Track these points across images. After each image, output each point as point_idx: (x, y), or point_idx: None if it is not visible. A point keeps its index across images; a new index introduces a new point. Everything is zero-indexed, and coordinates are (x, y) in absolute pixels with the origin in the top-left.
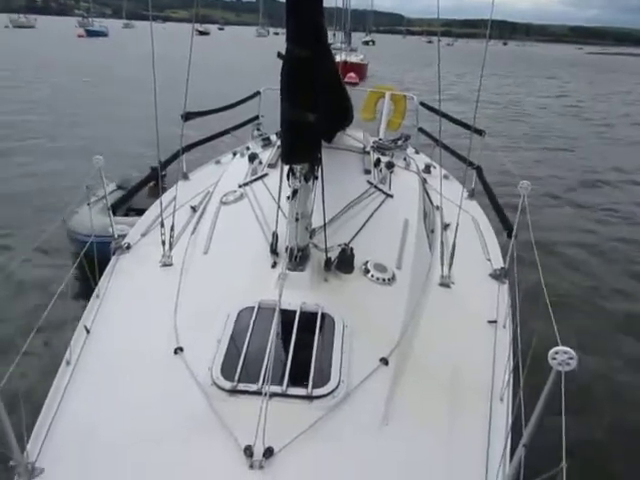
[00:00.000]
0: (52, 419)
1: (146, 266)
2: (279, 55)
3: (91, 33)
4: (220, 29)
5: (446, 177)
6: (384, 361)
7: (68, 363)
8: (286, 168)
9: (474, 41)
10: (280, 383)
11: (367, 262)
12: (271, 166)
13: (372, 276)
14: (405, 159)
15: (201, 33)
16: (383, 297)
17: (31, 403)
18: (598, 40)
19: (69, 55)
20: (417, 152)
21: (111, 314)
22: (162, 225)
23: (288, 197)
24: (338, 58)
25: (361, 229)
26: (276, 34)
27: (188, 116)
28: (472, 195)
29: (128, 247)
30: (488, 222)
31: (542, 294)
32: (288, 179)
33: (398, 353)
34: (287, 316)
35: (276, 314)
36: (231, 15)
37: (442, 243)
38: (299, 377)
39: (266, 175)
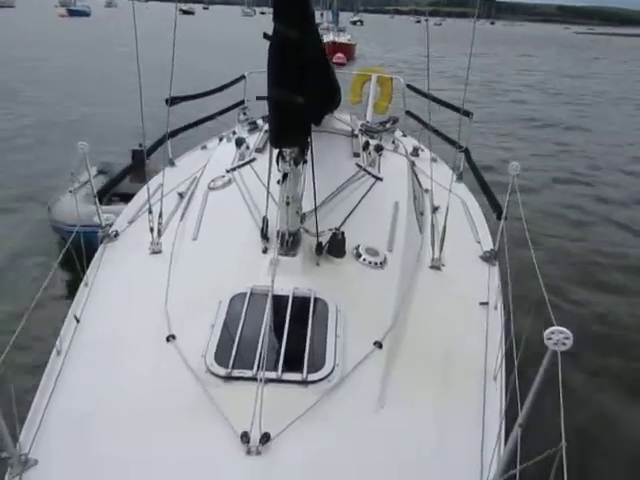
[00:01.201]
0: (44, 410)
1: (135, 254)
2: (265, 36)
3: (73, 13)
4: (205, 8)
5: (434, 160)
6: (378, 344)
7: (58, 353)
8: (275, 152)
9: (462, 20)
10: (275, 369)
11: (358, 246)
12: (259, 150)
13: (364, 260)
14: (394, 142)
15: (185, 12)
16: (375, 280)
17: (22, 394)
18: (586, 20)
19: (53, 40)
20: (405, 135)
21: (101, 303)
22: (150, 212)
23: (278, 181)
24: (326, 39)
25: (351, 213)
26: (262, 13)
27: (173, 100)
28: (460, 178)
29: (116, 235)
30: (477, 204)
31: (533, 275)
32: (277, 163)
33: (391, 336)
34: (280, 301)
35: (269, 300)
36: None
37: (432, 226)
38: (294, 362)
39: (254, 160)
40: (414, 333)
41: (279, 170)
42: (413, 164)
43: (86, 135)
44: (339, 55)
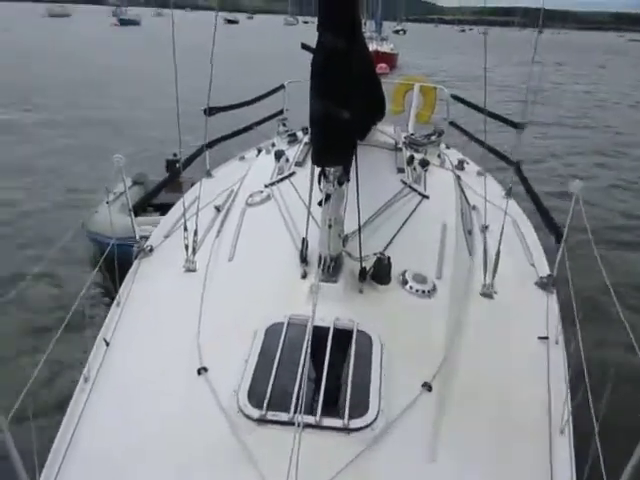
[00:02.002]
0: (68, 445)
1: (169, 271)
2: (304, 46)
3: (124, 22)
4: (249, 18)
5: (481, 174)
6: (427, 386)
7: (86, 380)
8: (317, 169)
9: (508, 29)
10: (313, 412)
11: (405, 272)
12: (298, 164)
13: (411, 288)
14: (439, 156)
15: (230, 22)
16: (423, 311)
17: (44, 429)
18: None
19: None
20: (448, 147)
21: (132, 325)
22: (185, 229)
23: (320, 202)
24: (370, 48)
25: (397, 234)
26: (305, 22)
27: (211, 111)
28: (509, 194)
29: (151, 250)
30: (529, 223)
31: (601, 304)
32: (319, 182)
33: (441, 377)
34: (319, 333)
35: (308, 331)
36: (260, 3)
37: (485, 250)
38: (334, 405)
39: (293, 174)
40: (466, 373)
41: (321, 190)
42: (459, 179)
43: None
44: (381, 65)
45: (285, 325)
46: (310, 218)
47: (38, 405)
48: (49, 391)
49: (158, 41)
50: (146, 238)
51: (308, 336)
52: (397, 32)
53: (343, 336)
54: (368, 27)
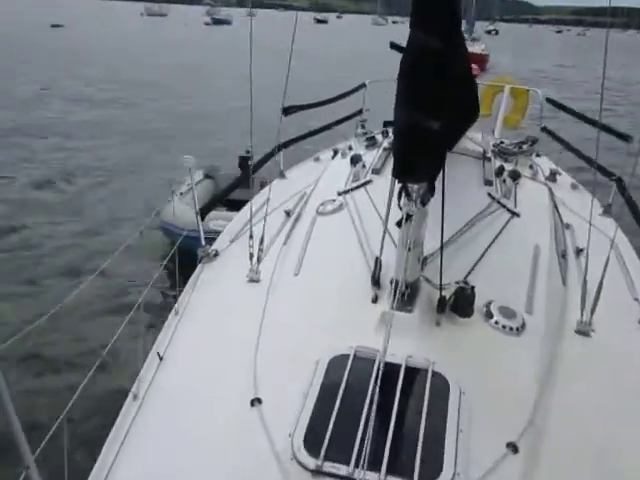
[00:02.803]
0: (110, 467)
1: (232, 280)
2: (393, 46)
3: (216, 21)
4: (338, 17)
5: (574, 187)
6: (512, 447)
7: (135, 397)
8: (397, 183)
9: (611, 31)
10: (377, 469)
11: (490, 303)
12: (375, 172)
13: (497, 323)
14: (531, 167)
15: (319, 21)
16: (510, 352)
17: (88, 443)
18: None
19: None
20: (539, 155)
21: (188, 339)
22: (251, 236)
23: (398, 223)
24: None
25: (481, 258)
26: (395, 22)
27: (288, 110)
28: (608, 211)
29: (215, 255)
30: (631, 248)
31: None
32: (399, 199)
33: (531, 435)
34: (389, 371)
35: (375, 369)
36: (350, 3)
37: (582, 279)
38: (402, 462)
39: (369, 182)
40: (561, 431)
41: (400, 206)
42: (552, 193)
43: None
44: (474, 67)
45: (351, 358)
46: (386, 236)
47: (76, 431)
48: (96, 403)
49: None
50: (213, 235)
51: (376, 374)
52: (489, 32)
53: (416, 377)
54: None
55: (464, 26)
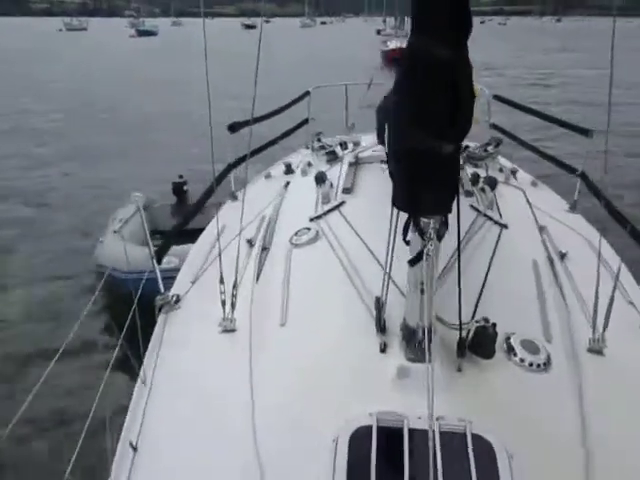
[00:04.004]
0: None
1: (202, 332)
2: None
3: (142, 33)
4: (267, 22)
5: (535, 184)
6: None
7: None
8: (395, 212)
9: (526, 18)
10: None
11: (510, 337)
12: (346, 191)
13: (522, 361)
14: (501, 170)
15: (248, 27)
16: (543, 393)
17: None
18: None
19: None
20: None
21: (163, 421)
22: (221, 281)
23: (412, 262)
24: (390, 45)
25: (486, 282)
26: (323, 23)
27: (234, 127)
28: (575, 207)
29: (177, 301)
30: (607, 245)
31: None
32: (404, 235)
33: None
34: (422, 441)
35: (407, 441)
36: (276, 7)
37: (596, 295)
38: None
39: (342, 204)
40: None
41: (405, 241)
42: (527, 196)
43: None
44: None
45: (375, 430)
46: (383, 271)
47: None
48: None
49: (176, 50)
50: (169, 274)
51: (410, 447)
52: None
53: (454, 442)
54: (388, 23)
55: (395, 22)
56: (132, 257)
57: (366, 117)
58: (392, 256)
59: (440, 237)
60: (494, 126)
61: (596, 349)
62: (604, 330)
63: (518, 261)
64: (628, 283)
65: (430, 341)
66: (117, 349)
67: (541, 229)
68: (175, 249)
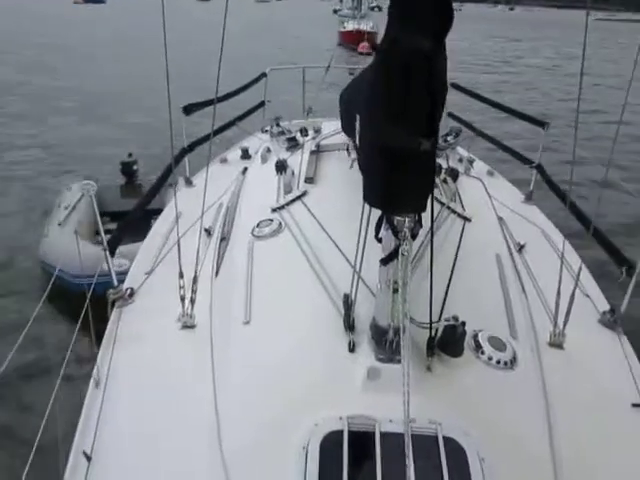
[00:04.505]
0: None
1: (159, 329)
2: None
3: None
4: None
5: (491, 174)
6: None
7: None
8: (367, 209)
9: (481, 6)
10: None
11: (477, 334)
12: (309, 181)
13: (490, 359)
14: (461, 160)
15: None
16: (511, 392)
17: None
18: (607, 5)
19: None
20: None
21: (119, 422)
22: (181, 275)
23: (385, 260)
24: (348, 27)
25: (452, 277)
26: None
27: (189, 109)
28: (530, 198)
29: (131, 294)
30: (561, 236)
31: None
32: (376, 232)
33: None
34: (394, 444)
35: (379, 445)
36: None
37: (560, 293)
38: None
39: (305, 194)
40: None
41: (377, 239)
42: (486, 187)
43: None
44: (364, 44)
45: (345, 435)
46: (350, 265)
47: None
48: None
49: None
50: (124, 274)
51: (381, 452)
52: (372, 9)
53: (426, 446)
54: (345, 3)
55: (351, 3)
56: (83, 255)
57: (324, 101)
58: (362, 254)
59: (414, 236)
60: (451, 115)
61: (557, 343)
62: (564, 325)
63: (482, 255)
64: (585, 276)
65: (400, 341)
66: (69, 351)
67: (500, 221)
68: (125, 248)
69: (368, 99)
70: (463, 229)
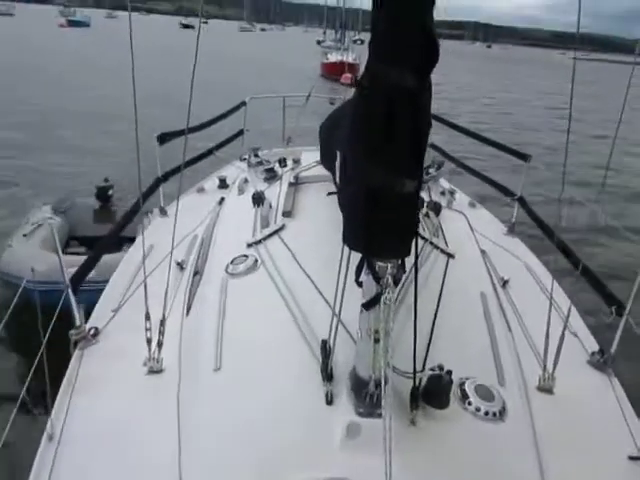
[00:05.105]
0: None
1: (124, 373)
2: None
3: (73, 23)
4: (204, 22)
5: (473, 205)
6: None
7: None
8: (346, 251)
9: (457, 43)
10: None
11: (463, 383)
12: (286, 215)
13: (478, 410)
14: (443, 193)
15: (185, 26)
16: (501, 449)
17: None
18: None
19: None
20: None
21: None
22: (147, 317)
23: (365, 305)
24: (331, 58)
25: (435, 319)
26: (263, 30)
27: (163, 138)
28: (513, 230)
29: (95, 334)
30: (545, 270)
31: None
32: (358, 276)
33: None
34: None
35: None
36: (214, 8)
37: (549, 335)
38: None
39: (282, 229)
40: None
41: (358, 283)
42: (469, 221)
43: None
44: (346, 75)
45: None
46: (329, 309)
47: None
48: None
49: (113, 46)
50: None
51: None
52: (355, 42)
53: None
54: (328, 35)
55: (334, 35)
56: (44, 269)
57: (305, 131)
58: (342, 297)
59: (397, 282)
60: (433, 146)
61: (547, 388)
62: (554, 368)
63: (466, 294)
64: (572, 315)
65: (382, 393)
66: (22, 394)
67: (484, 255)
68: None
69: (349, 136)
70: (447, 266)
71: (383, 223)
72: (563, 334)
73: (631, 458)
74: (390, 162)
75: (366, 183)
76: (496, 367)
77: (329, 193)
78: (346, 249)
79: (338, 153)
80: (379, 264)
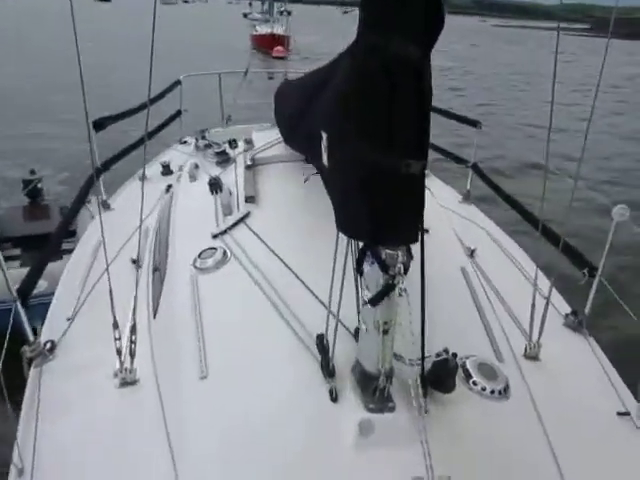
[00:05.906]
0: None
1: (92, 389)
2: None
3: None
4: None
5: (427, 176)
6: None
7: None
8: (343, 239)
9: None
10: None
11: (465, 362)
12: (250, 200)
13: (483, 389)
14: None
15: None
16: (510, 427)
17: None
18: (499, 13)
19: None
20: None
21: None
22: (115, 326)
23: (373, 301)
24: (260, 30)
25: (423, 299)
26: (185, 2)
27: (99, 124)
28: (468, 198)
29: (52, 349)
30: (506, 235)
31: None
32: (358, 265)
33: None
34: None
35: None
36: None
37: (534, 305)
38: None
39: (248, 216)
40: None
41: (359, 271)
42: (432, 192)
43: None
44: (278, 48)
45: None
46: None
47: None
48: None
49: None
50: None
51: None
52: (281, 13)
53: None
54: (254, 7)
55: (263, 7)
56: None
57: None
58: (341, 290)
59: (407, 269)
60: None
61: (532, 355)
62: (539, 336)
63: (448, 271)
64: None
65: (391, 386)
66: None
67: (452, 226)
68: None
69: (339, 115)
70: (423, 242)
71: (389, 209)
72: (547, 303)
73: (619, 414)
74: (392, 143)
75: (365, 166)
76: (490, 342)
77: (308, 176)
78: (342, 238)
79: (323, 133)
80: (387, 252)
